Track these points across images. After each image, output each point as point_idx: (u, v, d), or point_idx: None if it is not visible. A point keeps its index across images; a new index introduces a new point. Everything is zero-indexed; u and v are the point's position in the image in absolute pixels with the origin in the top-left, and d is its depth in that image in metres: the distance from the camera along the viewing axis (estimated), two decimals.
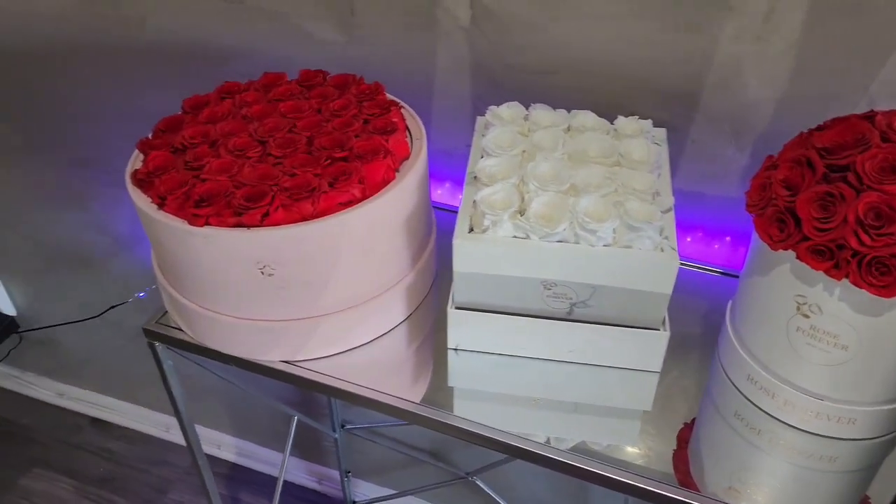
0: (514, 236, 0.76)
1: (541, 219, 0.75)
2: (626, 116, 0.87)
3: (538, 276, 0.77)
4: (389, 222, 0.79)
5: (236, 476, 1.81)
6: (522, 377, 0.83)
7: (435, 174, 1.11)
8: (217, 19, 1.10)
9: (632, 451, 0.76)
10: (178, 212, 0.75)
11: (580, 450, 0.75)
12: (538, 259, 0.75)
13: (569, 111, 0.89)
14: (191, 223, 0.73)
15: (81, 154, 1.41)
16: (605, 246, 0.74)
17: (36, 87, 1.34)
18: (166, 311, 0.90)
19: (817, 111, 0.78)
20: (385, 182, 0.79)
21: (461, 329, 0.83)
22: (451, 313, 0.82)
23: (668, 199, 0.78)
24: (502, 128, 0.86)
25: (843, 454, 0.74)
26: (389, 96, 0.91)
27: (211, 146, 0.82)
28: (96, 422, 1.95)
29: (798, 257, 0.65)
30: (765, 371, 0.75)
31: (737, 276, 0.80)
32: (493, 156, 0.82)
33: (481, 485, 1.35)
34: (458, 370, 0.84)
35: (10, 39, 1.27)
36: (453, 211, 0.80)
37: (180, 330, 0.88)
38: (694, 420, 0.80)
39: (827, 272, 0.63)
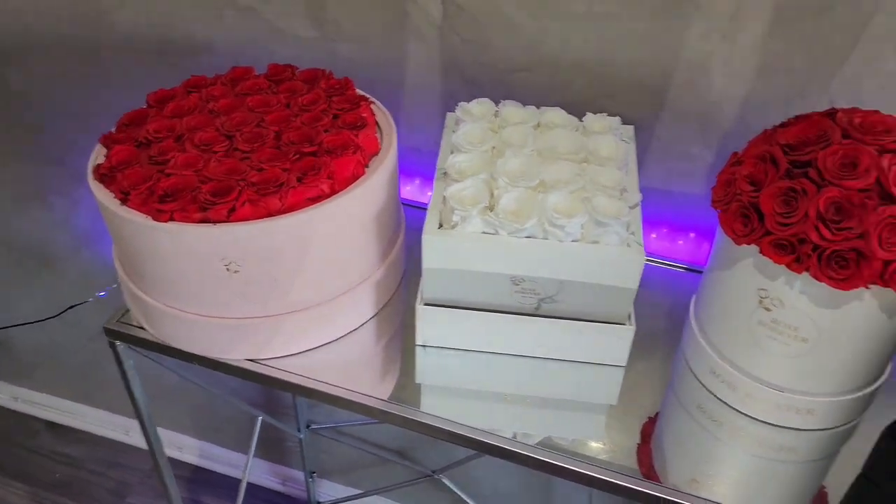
0: (484, 232, 0.76)
1: (510, 214, 0.75)
2: (595, 114, 0.88)
3: (507, 272, 0.77)
4: (358, 218, 0.79)
5: (198, 479, 1.78)
6: (490, 373, 0.83)
7: (404, 170, 1.10)
8: (185, 14, 1.08)
9: (597, 446, 0.77)
10: (142, 207, 0.73)
11: (546, 445, 0.76)
12: (507, 254, 0.76)
13: (538, 108, 0.90)
14: (155, 218, 0.72)
15: (41, 149, 1.37)
16: (573, 241, 0.74)
17: None
18: (128, 310, 0.88)
19: (781, 109, 0.80)
20: (354, 177, 0.78)
21: (429, 325, 0.83)
22: (420, 309, 0.81)
23: (635, 196, 0.79)
24: (472, 124, 0.86)
25: (803, 444, 0.76)
26: (359, 91, 0.91)
27: (176, 140, 0.80)
28: (53, 426, 1.90)
29: (761, 252, 0.66)
30: (727, 364, 0.77)
31: (701, 272, 0.82)
32: (463, 152, 0.82)
33: (447, 482, 1.35)
34: (427, 367, 0.84)
35: None
36: (423, 208, 0.80)
37: (142, 329, 0.86)
38: (658, 414, 0.81)
39: (788, 266, 0.65)
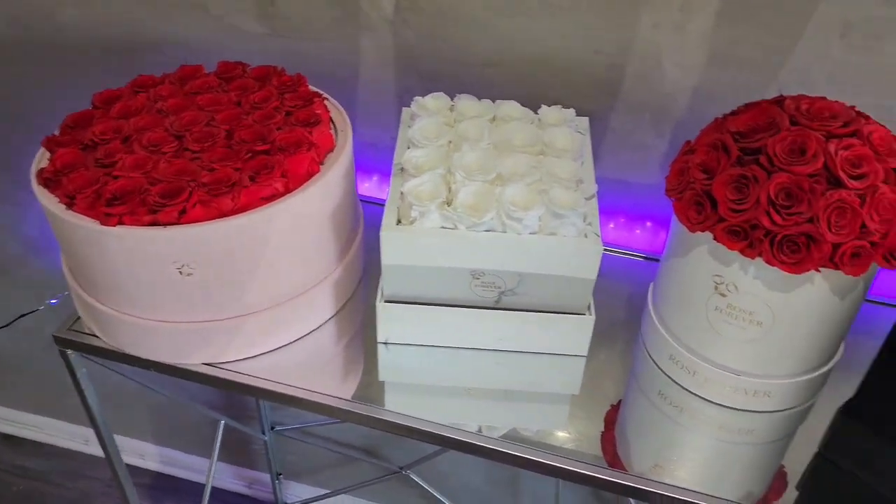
0: (442, 227, 0.76)
1: (468, 209, 0.75)
2: (550, 106, 0.88)
3: (466, 266, 0.77)
4: (314, 216, 0.78)
5: (162, 485, 1.74)
6: (453, 367, 0.83)
7: (361, 166, 1.09)
8: (132, 11, 1.05)
9: (562, 435, 0.78)
10: (89, 211, 0.71)
11: (511, 437, 0.76)
12: (466, 249, 0.75)
13: (494, 102, 0.89)
14: (103, 223, 0.70)
15: None
16: (531, 234, 0.75)
17: None
18: (79, 317, 0.86)
19: (731, 97, 0.81)
20: (309, 175, 0.77)
21: (391, 323, 0.82)
22: (380, 307, 0.81)
23: (592, 187, 0.80)
24: (428, 118, 0.85)
25: (761, 426, 0.78)
26: (312, 88, 0.89)
27: (123, 142, 0.78)
28: (9, 438, 1.84)
29: (715, 238, 0.67)
30: (685, 350, 0.78)
31: (658, 260, 0.83)
32: (419, 147, 0.82)
33: (415, 478, 1.35)
34: (389, 364, 0.83)
35: None
36: (381, 204, 0.79)
37: (95, 336, 0.84)
38: (620, 401, 0.82)
39: (742, 252, 0.66)
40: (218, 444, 1.29)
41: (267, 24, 1.01)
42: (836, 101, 0.69)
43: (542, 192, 0.76)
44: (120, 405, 1.57)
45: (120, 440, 1.70)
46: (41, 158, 0.79)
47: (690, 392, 0.79)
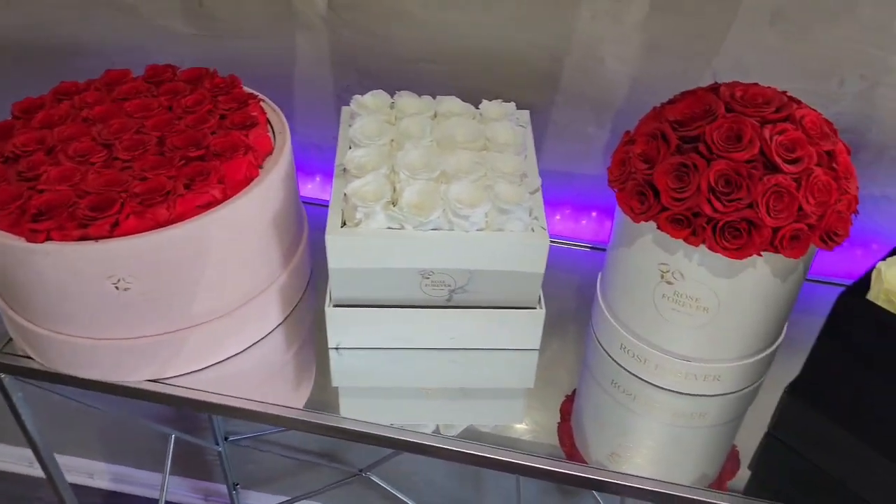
0: (389, 227, 0.74)
1: (414, 208, 0.74)
2: (491, 100, 0.88)
3: (415, 266, 0.76)
4: (256, 222, 0.76)
5: (114, 503, 1.69)
6: (407, 368, 0.82)
7: (303, 168, 1.07)
8: (51, 13, 1.00)
9: (520, 428, 0.78)
10: (14, 228, 0.67)
11: (469, 434, 0.76)
12: (414, 248, 0.74)
13: (434, 98, 0.88)
14: (29, 240, 0.66)
15: None
16: (478, 231, 0.74)
17: None
18: (10, 339, 0.82)
19: (669, 86, 0.81)
20: (247, 180, 0.75)
21: (341, 327, 0.81)
22: (330, 312, 0.79)
23: (536, 181, 0.80)
24: (368, 117, 0.84)
25: (712, 409, 0.79)
26: (247, 89, 0.87)
27: (48, 153, 0.75)
28: None
29: (659, 227, 0.68)
30: (635, 338, 0.78)
31: (604, 250, 0.83)
32: (361, 146, 0.80)
33: (376, 480, 1.34)
34: (342, 369, 0.82)
35: None
36: (325, 205, 0.77)
37: (29, 358, 0.80)
38: (575, 392, 0.83)
39: (685, 240, 0.67)
40: (170, 459, 1.25)
41: (196, 25, 0.97)
42: (769, 87, 0.70)
43: (487, 189, 0.75)
44: (65, 424, 1.52)
45: (67, 460, 1.65)
46: None
47: (642, 380, 0.80)
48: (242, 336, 0.81)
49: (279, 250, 0.81)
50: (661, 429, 0.79)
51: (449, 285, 0.78)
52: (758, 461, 0.74)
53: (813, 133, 0.66)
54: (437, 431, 0.76)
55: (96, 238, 0.66)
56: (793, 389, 0.71)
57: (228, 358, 0.81)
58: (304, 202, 0.93)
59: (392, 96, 0.88)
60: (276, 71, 0.99)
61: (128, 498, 1.70)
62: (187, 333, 0.76)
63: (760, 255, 0.65)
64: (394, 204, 0.75)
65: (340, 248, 0.74)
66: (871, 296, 0.62)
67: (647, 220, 0.69)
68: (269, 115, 0.85)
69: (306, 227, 0.90)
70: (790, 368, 0.74)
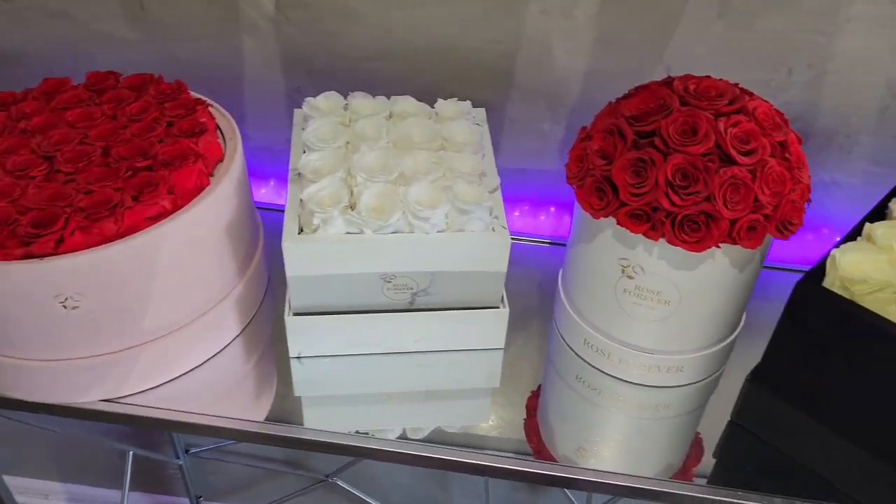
0: (348, 232, 0.73)
1: (373, 211, 0.72)
2: (446, 99, 0.87)
3: (376, 270, 0.75)
4: (209, 232, 0.73)
5: None
6: (372, 374, 0.81)
7: (256, 173, 1.05)
8: None
9: (487, 427, 0.78)
10: None
11: (437, 437, 0.75)
12: (374, 253, 0.73)
13: (389, 98, 0.87)
14: None
15: None
16: (439, 232, 0.73)
17: None
18: None
19: (622, 80, 0.82)
20: (198, 189, 0.72)
21: (302, 336, 0.79)
22: (289, 321, 0.77)
23: (494, 179, 0.79)
24: (322, 119, 0.82)
25: (675, 400, 0.80)
26: (195, 95, 0.84)
27: None
28: None
29: (618, 223, 0.68)
30: (598, 333, 0.79)
31: (564, 245, 0.84)
32: (315, 150, 0.79)
33: (342, 484, 1.33)
34: (304, 378, 0.80)
35: None
36: (280, 210, 0.75)
37: None
38: (540, 388, 0.83)
39: (645, 234, 0.67)
40: (129, 475, 1.22)
41: (138, 29, 0.94)
42: (721, 80, 0.71)
43: (446, 189, 0.74)
44: (17, 445, 1.46)
45: (21, 481, 1.59)
46: None
47: (606, 374, 0.81)
48: (199, 349, 0.79)
49: (234, 260, 0.79)
50: (627, 421, 0.80)
51: (411, 288, 0.77)
52: (722, 449, 0.76)
53: (766, 124, 0.67)
54: (403, 435, 0.75)
55: (41, 256, 0.63)
56: (754, 377, 0.72)
57: (186, 372, 0.78)
58: (258, 208, 0.91)
59: (345, 97, 0.87)
60: (224, 74, 0.96)
61: None
62: (141, 350, 0.73)
63: (719, 247, 0.66)
64: (352, 208, 0.73)
65: (298, 256, 0.73)
66: (826, 283, 0.63)
67: (606, 216, 0.69)
68: (219, 120, 0.83)
69: (262, 233, 0.88)
70: (750, 356, 0.75)
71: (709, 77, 0.71)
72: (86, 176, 0.70)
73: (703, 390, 0.80)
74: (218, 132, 0.81)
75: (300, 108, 0.87)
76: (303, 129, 0.82)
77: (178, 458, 1.39)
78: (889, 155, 0.90)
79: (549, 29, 0.87)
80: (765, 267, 0.94)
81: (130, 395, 0.76)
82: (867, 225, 0.66)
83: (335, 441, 0.74)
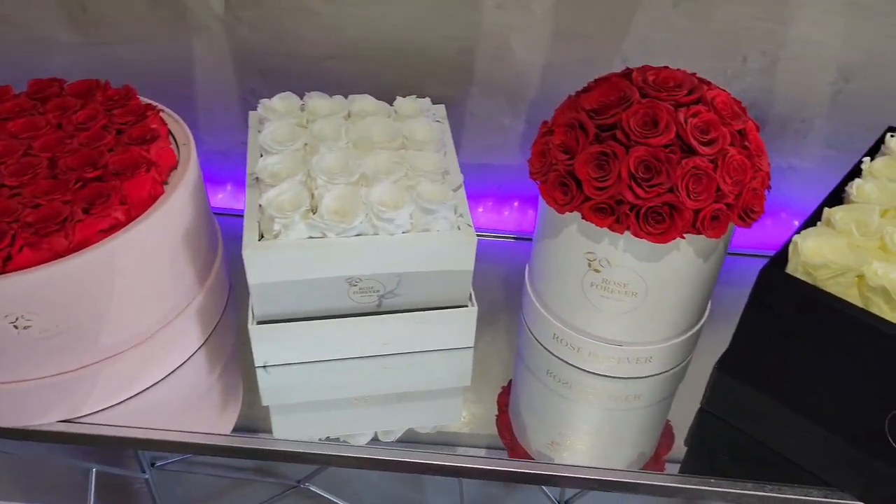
0: (310, 237, 0.71)
1: (335, 214, 0.71)
2: (405, 97, 0.85)
3: (342, 274, 0.73)
4: (165, 243, 0.71)
5: None
6: (341, 379, 0.80)
7: (212, 178, 1.02)
8: None
9: (459, 425, 0.77)
10: None
11: (409, 437, 0.75)
12: (339, 256, 0.72)
13: (346, 97, 0.85)
14: None
15: None
16: (404, 233, 0.72)
17: None
18: None
19: (580, 73, 0.81)
20: (152, 198, 0.70)
21: (267, 344, 0.77)
22: (253, 330, 0.75)
23: (458, 177, 0.78)
24: (278, 122, 0.80)
25: (645, 390, 0.80)
26: (144, 100, 0.81)
27: None
28: None
29: (583, 217, 0.68)
30: (567, 328, 0.79)
31: (530, 239, 0.83)
32: (272, 153, 0.77)
33: (315, 489, 1.31)
34: (272, 387, 0.78)
35: None
36: (239, 215, 0.73)
37: None
38: (511, 383, 0.82)
39: (610, 228, 0.67)
40: (93, 493, 1.18)
41: (82, 33, 0.90)
42: (679, 70, 0.71)
43: (409, 189, 0.73)
44: None
45: None
46: None
47: (576, 367, 0.81)
48: (161, 363, 0.77)
49: (193, 269, 0.76)
50: (598, 414, 0.80)
51: (378, 291, 0.75)
52: (693, 436, 0.76)
53: (725, 113, 0.67)
54: (375, 439, 0.74)
55: None
56: (722, 365, 0.73)
57: (148, 387, 0.76)
58: (215, 214, 0.88)
59: (302, 98, 0.85)
60: (175, 78, 0.93)
61: None
62: (100, 367, 0.71)
63: (683, 238, 0.66)
64: (313, 212, 0.72)
65: (260, 263, 0.71)
66: (789, 269, 0.64)
67: (571, 211, 0.68)
68: (171, 125, 0.80)
69: (220, 241, 0.86)
70: (717, 342, 0.75)
71: (667, 67, 0.71)
72: (32, 189, 0.67)
73: (673, 379, 0.81)
74: (170, 138, 0.79)
75: (255, 110, 0.85)
76: (259, 131, 0.80)
77: (143, 472, 1.36)
78: (843, 139, 0.92)
79: (507, 23, 0.86)
80: (728, 253, 0.96)
81: (91, 413, 0.73)
82: (826, 210, 0.67)
83: (307, 451, 0.72)
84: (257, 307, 0.75)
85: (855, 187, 0.69)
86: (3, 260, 0.61)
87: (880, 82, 0.87)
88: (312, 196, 0.73)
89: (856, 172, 0.73)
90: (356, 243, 0.71)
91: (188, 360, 0.79)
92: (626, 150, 0.65)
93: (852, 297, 0.61)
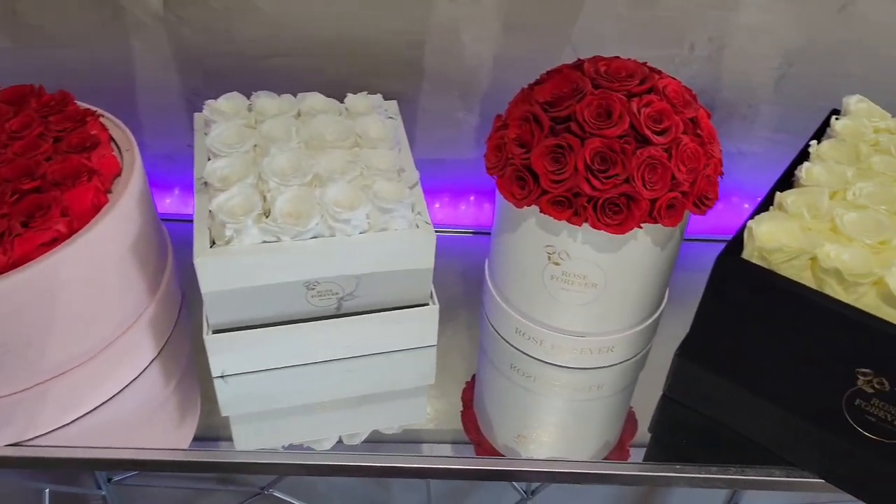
0: (264, 241, 0.69)
1: (289, 217, 0.69)
2: (356, 93, 0.84)
3: (299, 279, 0.71)
4: (111, 254, 0.68)
5: None
6: (303, 385, 0.78)
7: (158, 183, 0.99)
8: None
9: (424, 423, 0.77)
10: None
11: (374, 438, 0.74)
12: (295, 260, 0.70)
13: (295, 95, 0.83)
14: None
15: None
16: (361, 234, 0.71)
17: None
18: None
19: (531, 64, 0.81)
20: (96, 209, 0.67)
21: (223, 353, 0.75)
22: (209, 339, 0.73)
23: (413, 174, 0.77)
24: (225, 123, 0.77)
25: (608, 380, 0.81)
26: (82, 105, 0.78)
27: None
28: None
29: (541, 211, 0.67)
30: (529, 321, 0.78)
31: (488, 234, 0.83)
32: (221, 156, 0.74)
33: (279, 495, 1.29)
34: (231, 397, 0.76)
35: None
36: (188, 220, 0.71)
37: None
38: (474, 378, 0.82)
39: (568, 220, 0.67)
40: None
41: (11, 36, 0.86)
42: (630, 59, 0.71)
43: (364, 188, 0.72)
44: None
45: None
46: None
47: (539, 360, 0.81)
48: (114, 378, 0.74)
49: (142, 280, 0.74)
50: (563, 405, 0.80)
51: (337, 294, 0.74)
52: (657, 423, 0.77)
53: (676, 102, 0.67)
54: (340, 443, 0.73)
55: None
56: (682, 351, 0.73)
57: (102, 404, 0.73)
58: (163, 220, 0.85)
59: (248, 98, 0.82)
60: (114, 81, 0.90)
61: None
62: (48, 386, 0.68)
63: (640, 228, 0.67)
64: (266, 215, 0.70)
65: (212, 271, 0.69)
66: (745, 255, 0.64)
67: (529, 205, 0.68)
68: (112, 131, 0.77)
69: (170, 248, 0.83)
70: (676, 328, 0.76)
71: (618, 58, 0.71)
72: None
73: (634, 367, 0.82)
74: (112, 144, 0.76)
75: (200, 111, 0.82)
76: (205, 134, 0.78)
77: (99, 488, 1.32)
78: (789, 122, 0.94)
79: (457, 16, 0.85)
80: (686, 239, 0.97)
81: (41, 435, 0.70)
82: (778, 194, 0.68)
83: (269, 461, 0.71)
84: (212, 316, 0.72)
85: (804, 171, 0.70)
86: None
87: (823, 66, 0.89)
88: (265, 199, 0.71)
89: (804, 156, 0.75)
90: (312, 246, 0.70)
91: (142, 373, 0.76)
92: (582, 142, 0.65)
93: (806, 279, 0.62)
